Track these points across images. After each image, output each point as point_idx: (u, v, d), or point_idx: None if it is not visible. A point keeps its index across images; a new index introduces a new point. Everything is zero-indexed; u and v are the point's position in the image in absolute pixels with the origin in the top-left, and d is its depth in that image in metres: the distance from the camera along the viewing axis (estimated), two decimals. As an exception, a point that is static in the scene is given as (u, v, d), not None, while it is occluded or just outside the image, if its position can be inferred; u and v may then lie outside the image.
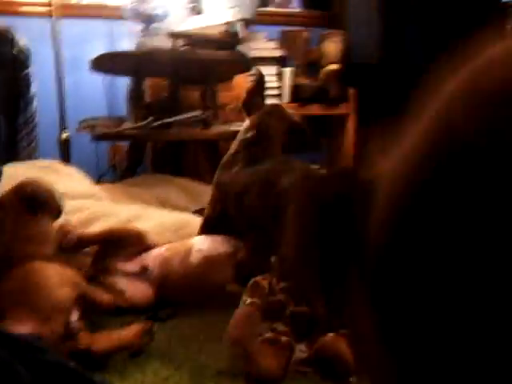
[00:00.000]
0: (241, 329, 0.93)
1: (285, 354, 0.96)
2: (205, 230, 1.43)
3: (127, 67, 2.50)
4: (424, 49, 3.79)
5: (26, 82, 2.29)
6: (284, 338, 0.98)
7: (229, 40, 2.38)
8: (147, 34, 2.52)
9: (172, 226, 1.51)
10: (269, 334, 0.98)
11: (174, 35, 2.33)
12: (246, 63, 2.56)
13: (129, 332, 1.05)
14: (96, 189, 1.93)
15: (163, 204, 2.06)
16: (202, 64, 2.42)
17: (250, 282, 1.02)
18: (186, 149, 2.89)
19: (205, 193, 2.30)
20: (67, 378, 0.80)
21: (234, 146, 1.46)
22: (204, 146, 2.72)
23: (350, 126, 3.40)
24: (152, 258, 1.28)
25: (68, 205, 1.62)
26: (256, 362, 0.93)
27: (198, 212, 1.78)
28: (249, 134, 1.43)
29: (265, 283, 1.01)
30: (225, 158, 1.46)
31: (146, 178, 2.51)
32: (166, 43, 2.36)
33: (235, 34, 2.38)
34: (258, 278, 1.03)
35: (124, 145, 3.26)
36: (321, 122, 3.76)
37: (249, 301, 0.98)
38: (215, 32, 2.38)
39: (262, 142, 1.42)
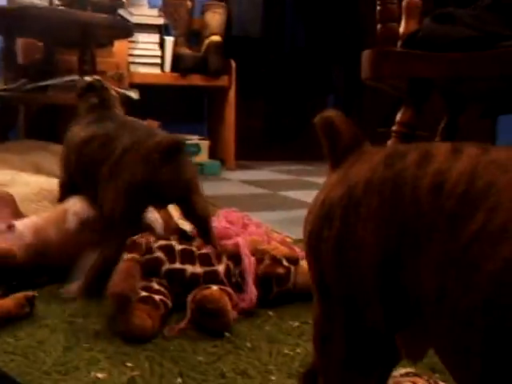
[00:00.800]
0: (122, 283, 0.95)
1: (158, 311, 1.00)
2: (62, 195, 1.42)
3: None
4: (303, 29, 3.92)
5: None
6: (157, 297, 1.01)
7: (109, 3, 2.32)
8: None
9: (50, 193, 1.47)
10: (143, 293, 1.01)
11: (50, -7, 2.22)
12: (127, 29, 2.51)
13: (9, 301, 1.03)
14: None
15: (38, 171, 1.99)
16: (80, 26, 2.33)
17: (128, 241, 1.04)
18: (62, 115, 2.78)
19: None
20: None
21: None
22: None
23: (231, 97, 3.45)
24: (24, 225, 1.24)
25: None
26: (130, 321, 0.96)
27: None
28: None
29: (142, 241, 1.04)
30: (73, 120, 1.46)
31: (19, 143, 2.39)
32: (41, 1, 2.24)
33: (116, -2, 2.31)
34: (136, 237, 1.05)
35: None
36: (202, 92, 3.78)
37: (127, 257, 1.00)
38: (95, -6, 2.30)
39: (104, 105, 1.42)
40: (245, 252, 1.11)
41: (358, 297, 0.48)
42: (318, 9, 3.86)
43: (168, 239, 1.10)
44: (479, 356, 0.39)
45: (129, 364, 0.89)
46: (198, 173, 1.24)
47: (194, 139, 3.35)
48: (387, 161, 0.49)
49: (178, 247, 1.08)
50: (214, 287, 1.02)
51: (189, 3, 3.46)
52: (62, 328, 1.02)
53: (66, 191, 1.41)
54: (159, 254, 1.05)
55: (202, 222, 1.20)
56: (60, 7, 2.27)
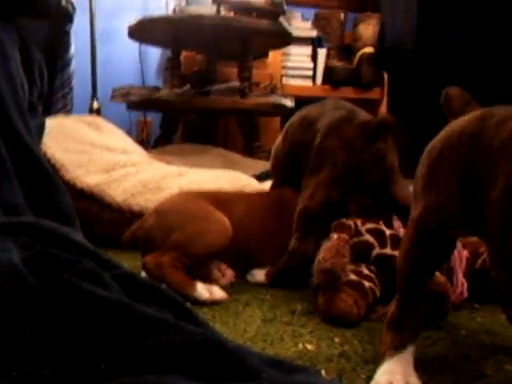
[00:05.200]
0: (332, 259, 0.88)
1: (366, 300, 0.92)
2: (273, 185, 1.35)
3: (166, 34, 2.45)
4: (461, 41, 3.72)
5: (66, 40, 2.24)
6: (367, 283, 0.93)
7: (272, 9, 2.33)
8: (188, 1, 2.47)
9: (225, 178, 1.47)
10: (352, 277, 0.93)
11: (218, 1, 2.28)
12: (287, 37, 2.51)
13: None
14: (138, 147, 1.89)
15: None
16: (243, 34, 2.37)
17: (335, 222, 0.97)
18: (217, 122, 2.85)
19: (240, 161, 2.26)
20: (159, 298, 0.76)
21: None
22: (238, 119, 2.67)
23: (383, 110, 3.35)
24: None
25: (118, 158, 1.59)
26: (334, 302, 0.89)
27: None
28: None
29: (350, 223, 0.96)
30: None
31: (179, 146, 2.47)
32: (208, 10, 2.31)
33: (279, 4, 2.33)
34: (343, 219, 0.98)
35: (153, 119, 3.22)
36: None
37: (336, 236, 0.93)
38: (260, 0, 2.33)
39: None
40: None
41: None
42: (479, 18, 3.63)
43: (377, 222, 1.00)
44: None
45: (336, 339, 0.82)
46: (397, 159, 1.13)
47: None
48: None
49: (388, 231, 0.98)
50: (436, 272, 0.93)
51: (341, 16, 3.44)
52: (255, 304, 0.98)
53: (275, 182, 1.33)
54: (368, 237, 0.97)
55: (402, 210, 1.10)
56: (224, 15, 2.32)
